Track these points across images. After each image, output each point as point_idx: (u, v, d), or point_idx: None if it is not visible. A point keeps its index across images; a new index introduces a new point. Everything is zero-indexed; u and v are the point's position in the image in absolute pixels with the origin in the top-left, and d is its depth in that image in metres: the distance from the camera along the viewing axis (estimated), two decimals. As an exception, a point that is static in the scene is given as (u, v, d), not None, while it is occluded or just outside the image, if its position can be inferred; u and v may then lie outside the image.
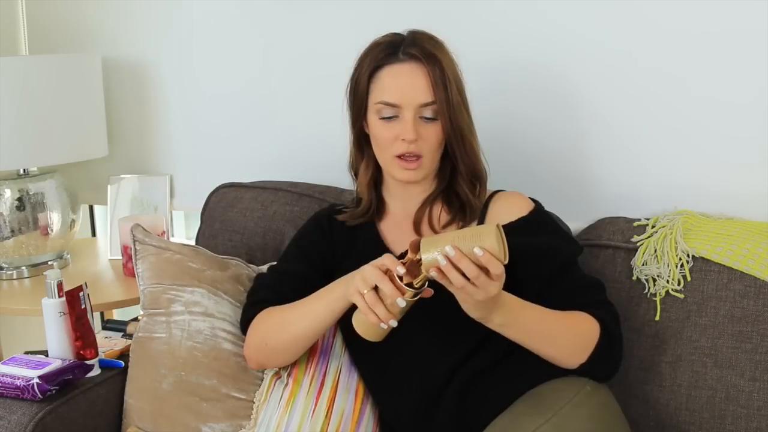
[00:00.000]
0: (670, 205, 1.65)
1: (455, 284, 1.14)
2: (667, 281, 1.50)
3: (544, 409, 1.26)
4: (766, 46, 1.56)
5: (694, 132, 1.65)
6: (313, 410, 1.43)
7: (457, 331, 1.32)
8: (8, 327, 2.34)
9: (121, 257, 2.05)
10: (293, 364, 1.47)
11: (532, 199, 1.47)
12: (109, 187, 2.23)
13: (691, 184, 1.66)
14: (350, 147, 1.50)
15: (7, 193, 2.00)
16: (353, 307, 1.27)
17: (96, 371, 1.55)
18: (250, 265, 1.64)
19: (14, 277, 2.05)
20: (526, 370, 1.33)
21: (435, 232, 1.45)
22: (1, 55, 2.17)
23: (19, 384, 1.41)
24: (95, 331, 1.56)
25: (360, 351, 1.47)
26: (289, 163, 2.00)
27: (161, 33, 2.14)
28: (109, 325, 1.77)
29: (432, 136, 1.38)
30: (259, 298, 1.47)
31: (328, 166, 1.70)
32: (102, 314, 2.20)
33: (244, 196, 1.83)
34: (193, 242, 1.84)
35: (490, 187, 1.49)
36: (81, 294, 1.52)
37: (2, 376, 1.43)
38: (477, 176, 1.44)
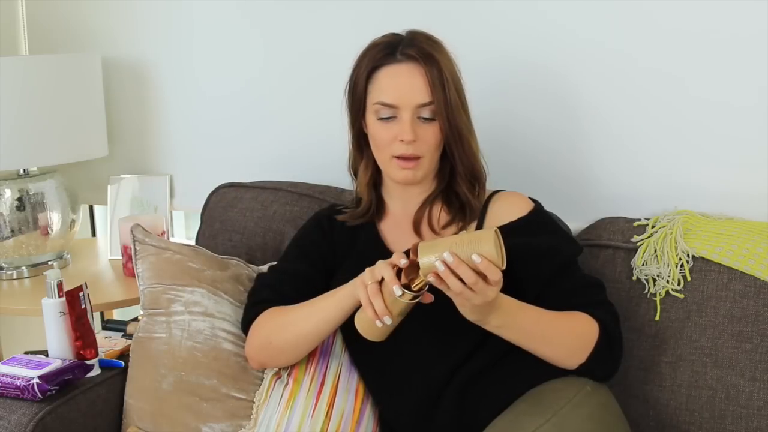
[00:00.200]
0: (670, 205, 1.65)
1: (453, 290, 1.15)
2: (667, 281, 1.50)
3: (544, 409, 1.26)
4: (766, 46, 1.56)
5: (694, 132, 1.65)
6: (313, 410, 1.43)
7: (457, 332, 1.32)
8: (8, 327, 2.34)
9: (121, 257, 2.05)
10: (293, 364, 1.47)
11: (532, 199, 1.47)
12: (109, 187, 2.23)
13: (691, 184, 1.66)
14: (349, 147, 1.50)
15: (7, 193, 2.00)
16: (360, 307, 1.27)
17: (96, 371, 1.55)
18: (250, 265, 1.64)
19: (14, 277, 2.05)
20: (526, 370, 1.33)
21: (435, 232, 1.45)
22: (1, 55, 2.17)
23: (19, 384, 1.41)
24: (95, 331, 1.56)
25: (360, 351, 1.47)
26: (289, 163, 2.00)
27: (161, 33, 2.14)
28: (109, 325, 1.77)
29: (430, 136, 1.38)
30: (261, 297, 1.47)
31: (328, 166, 1.70)
32: (102, 314, 2.20)
33: (244, 196, 1.83)
34: (193, 242, 1.84)
35: (490, 187, 1.49)
36: (81, 294, 1.52)
37: (2, 376, 1.43)
38: (476, 176, 1.44)
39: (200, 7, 2.07)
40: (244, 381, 1.49)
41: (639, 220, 1.61)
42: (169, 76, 2.16)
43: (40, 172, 2.08)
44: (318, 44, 1.95)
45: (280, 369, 1.48)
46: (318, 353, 1.48)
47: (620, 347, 1.37)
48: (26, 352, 1.57)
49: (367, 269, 1.24)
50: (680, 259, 1.50)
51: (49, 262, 2.08)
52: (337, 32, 1.92)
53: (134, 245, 1.57)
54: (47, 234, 2.04)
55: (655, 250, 1.53)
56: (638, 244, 1.56)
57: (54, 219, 2.05)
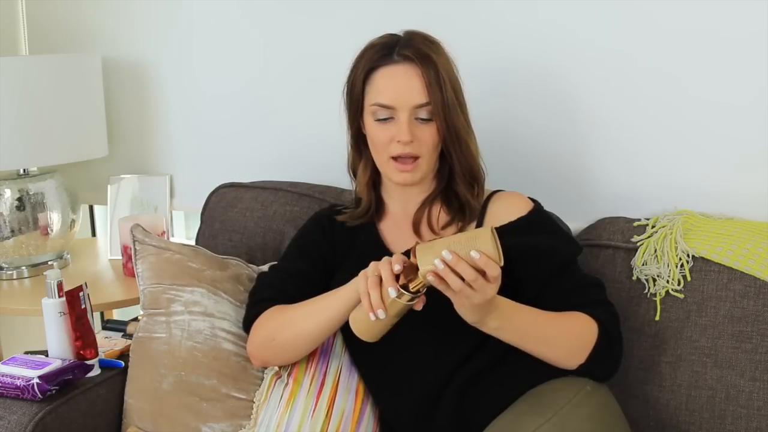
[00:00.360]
0: (670, 205, 1.65)
1: (453, 288, 1.15)
2: (667, 281, 1.50)
3: (544, 408, 1.26)
4: (766, 46, 1.56)
5: (694, 132, 1.65)
6: (314, 410, 1.43)
7: (456, 332, 1.32)
8: (8, 327, 2.34)
9: (121, 257, 2.05)
10: (293, 364, 1.47)
11: (532, 199, 1.47)
12: (109, 187, 2.23)
13: (691, 184, 1.66)
14: (348, 148, 1.50)
15: (7, 193, 2.00)
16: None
17: (96, 371, 1.55)
18: (250, 265, 1.64)
19: (14, 277, 2.05)
20: (526, 370, 1.33)
21: (434, 232, 1.45)
22: (1, 55, 2.17)
23: (19, 384, 1.41)
24: (95, 331, 1.56)
25: (360, 351, 1.47)
26: (289, 163, 2.00)
27: (161, 33, 2.14)
28: (109, 325, 1.77)
29: (427, 137, 1.37)
30: (263, 296, 1.47)
31: (328, 166, 1.70)
32: (102, 314, 2.20)
33: (244, 196, 1.83)
34: (193, 242, 1.84)
35: (490, 187, 1.49)
36: (81, 294, 1.52)
37: (2, 376, 1.43)
38: (474, 177, 1.44)
39: (200, 7, 2.07)
40: (244, 381, 1.49)
41: (639, 220, 1.61)
42: (169, 76, 2.16)
43: (40, 172, 2.08)
44: (318, 44, 1.95)
45: (280, 369, 1.48)
46: (318, 353, 1.48)
47: (620, 347, 1.37)
48: (26, 352, 1.57)
49: (372, 263, 1.25)
50: (680, 259, 1.50)
51: (49, 262, 2.08)
52: (337, 33, 1.92)
53: (134, 245, 1.57)
54: (47, 234, 2.04)
55: (655, 250, 1.53)
56: (638, 244, 1.56)
57: (54, 219, 2.05)
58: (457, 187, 1.44)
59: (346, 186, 1.65)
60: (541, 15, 1.73)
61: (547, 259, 1.38)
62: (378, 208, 1.51)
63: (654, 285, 1.52)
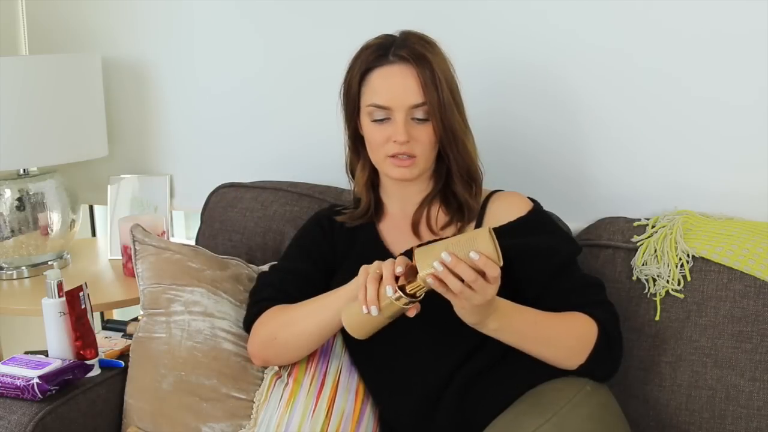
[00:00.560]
0: (670, 205, 1.65)
1: (453, 289, 1.15)
2: (667, 281, 1.50)
3: (544, 409, 1.26)
4: (766, 46, 1.56)
5: (694, 132, 1.65)
6: (314, 410, 1.43)
7: (456, 333, 1.32)
8: (8, 327, 2.34)
9: (121, 257, 2.05)
10: (293, 364, 1.47)
11: (531, 199, 1.47)
12: (109, 187, 2.23)
13: (691, 184, 1.66)
14: (345, 149, 1.50)
15: (7, 193, 2.00)
16: None
17: (96, 371, 1.55)
18: (250, 265, 1.64)
19: (14, 277, 2.05)
20: (526, 370, 1.33)
21: (433, 233, 1.45)
22: (1, 55, 2.17)
23: (19, 384, 1.41)
24: (95, 331, 1.56)
25: (360, 352, 1.47)
26: (289, 163, 2.00)
27: (161, 33, 2.14)
28: (109, 325, 1.77)
29: (424, 136, 1.37)
30: (263, 296, 1.47)
31: (328, 166, 1.70)
32: (102, 314, 2.20)
33: (244, 196, 1.83)
34: (193, 242, 1.84)
35: (489, 187, 1.49)
36: (81, 294, 1.52)
37: (2, 376, 1.43)
38: (472, 176, 1.44)
39: (200, 7, 2.07)
40: (244, 381, 1.49)
41: (639, 220, 1.61)
42: (169, 76, 2.16)
43: (40, 172, 2.08)
44: (318, 44, 1.95)
45: (280, 369, 1.48)
46: (318, 353, 1.48)
47: (620, 347, 1.37)
48: (26, 352, 1.57)
49: (376, 261, 1.25)
50: (680, 259, 1.50)
51: (49, 262, 2.08)
52: (337, 32, 1.92)
53: (134, 245, 1.57)
54: (47, 234, 2.04)
55: (655, 250, 1.53)
56: (638, 244, 1.56)
57: (54, 219, 2.05)
58: (455, 187, 1.44)
59: (346, 186, 1.65)
60: (539, 15, 1.73)
61: (547, 259, 1.38)
62: (377, 208, 1.51)
63: (654, 285, 1.52)
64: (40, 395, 1.42)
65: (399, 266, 1.20)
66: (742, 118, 1.60)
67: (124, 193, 2.22)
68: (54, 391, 1.44)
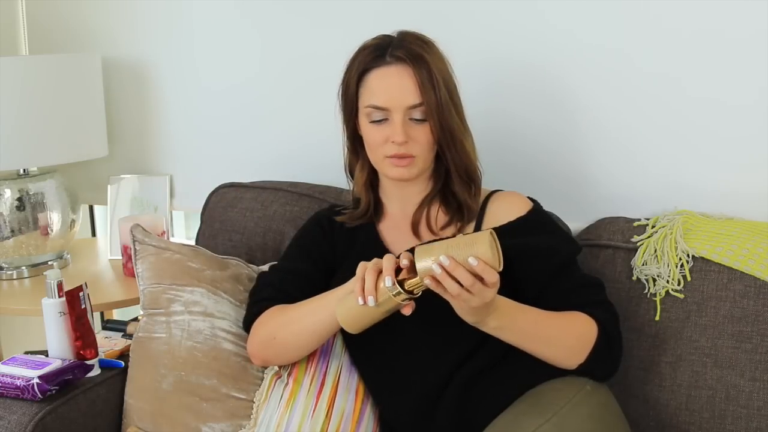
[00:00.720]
0: (670, 205, 1.65)
1: (451, 292, 1.15)
2: (667, 281, 1.50)
3: (544, 408, 1.26)
4: (765, 46, 1.56)
5: (694, 132, 1.65)
6: (314, 410, 1.43)
7: (456, 331, 1.32)
8: (8, 327, 2.34)
9: (121, 257, 2.05)
10: (293, 364, 1.47)
11: (531, 199, 1.47)
12: (109, 187, 2.23)
13: (691, 184, 1.66)
14: (344, 150, 1.50)
15: (7, 193, 2.00)
16: None
17: (96, 371, 1.55)
18: (250, 265, 1.64)
19: (14, 277, 2.05)
20: (526, 370, 1.33)
21: (433, 233, 1.45)
22: (1, 55, 2.17)
23: (19, 384, 1.41)
24: (95, 331, 1.56)
25: (360, 351, 1.47)
26: (289, 163, 2.00)
27: (161, 33, 2.14)
28: (109, 325, 1.77)
29: (422, 137, 1.37)
30: (263, 296, 1.47)
31: (328, 166, 1.70)
32: (102, 314, 2.20)
33: (244, 196, 1.83)
34: (193, 242, 1.84)
35: (489, 187, 1.49)
36: (81, 294, 1.52)
37: (2, 376, 1.43)
38: (471, 176, 1.44)
39: (200, 7, 2.07)
40: (244, 381, 1.49)
41: (639, 220, 1.61)
42: (169, 76, 2.16)
43: (40, 172, 2.08)
44: (318, 44, 1.95)
45: (280, 369, 1.48)
46: (318, 353, 1.48)
47: (620, 347, 1.37)
48: (26, 352, 1.57)
49: (375, 258, 1.25)
50: (680, 259, 1.50)
51: (49, 262, 2.08)
52: (336, 32, 1.92)
53: (134, 245, 1.57)
54: (47, 234, 2.04)
55: (655, 250, 1.53)
56: (638, 244, 1.56)
57: (54, 219, 2.05)
58: (454, 187, 1.43)
59: (346, 186, 1.65)
60: (538, 15, 1.73)
61: (547, 259, 1.38)
62: (377, 208, 1.51)
63: (654, 285, 1.52)
64: (40, 395, 1.42)
65: (405, 259, 1.21)
66: (741, 118, 1.60)
67: (124, 193, 2.22)
68: (54, 391, 1.44)
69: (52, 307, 1.51)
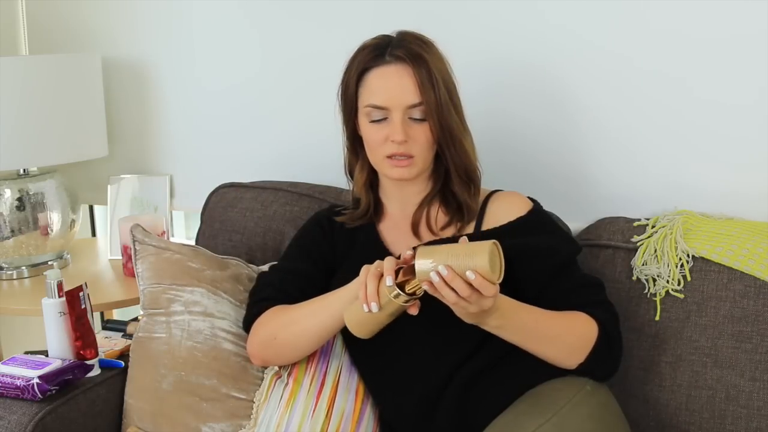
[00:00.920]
0: (670, 205, 1.65)
1: (448, 300, 1.16)
2: (667, 281, 1.50)
3: (544, 408, 1.26)
4: (765, 46, 1.56)
5: (694, 132, 1.65)
6: (314, 410, 1.43)
7: (457, 332, 1.32)
8: (8, 327, 2.34)
9: (121, 257, 2.05)
10: (294, 364, 1.47)
11: (531, 199, 1.47)
12: (109, 187, 2.23)
13: (691, 184, 1.66)
14: (344, 149, 1.50)
15: (7, 193, 2.00)
16: None
17: (96, 371, 1.55)
18: (250, 265, 1.64)
19: (14, 277, 2.05)
20: (526, 370, 1.33)
21: (433, 233, 1.45)
22: (1, 55, 2.17)
23: (19, 384, 1.41)
24: (95, 331, 1.56)
25: (360, 351, 1.47)
26: (289, 163, 2.00)
27: (161, 33, 2.14)
28: (109, 325, 1.77)
29: (421, 136, 1.37)
30: (264, 296, 1.47)
31: (328, 166, 1.70)
32: (102, 314, 2.20)
33: (244, 196, 1.83)
34: (193, 242, 1.84)
35: (489, 187, 1.49)
36: (81, 294, 1.52)
37: (2, 376, 1.43)
38: (470, 176, 1.44)
39: (200, 7, 2.07)
40: (244, 381, 1.49)
41: (639, 220, 1.61)
42: (169, 76, 2.16)
43: (40, 172, 2.08)
44: (318, 44, 1.95)
45: (280, 369, 1.48)
46: (318, 353, 1.48)
47: (620, 347, 1.37)
48: (26, 352, 1.57)
49: (377, 261, 1.25)
50: (680, 259, 1.50)
51: (49, 262, 2.08)
52: (336, 33, 1.92)
53: (134, 245, 1.57)
54: (47, 234, 2.04)
55: (655, 250, 1.53)
56: (638, 244, 1.56)
57: (54, 219, 2.05)
58: (454, 187, 1.43)
59: (346, 186, 1.65)
60: (537, 15, 1.73)
61: (547, 259, 1.38)
62: (377, 209, 1.51)
63: (654, 285, 1.52)
64: (40, 395, 1.42)
65: (409, 250, 1.22)
66: (742, 118, 1.60)
67: (124, 193, 2.22)
68: (54, 391, 1.44)
69: (52, 307, 1.51)
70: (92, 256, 2.22)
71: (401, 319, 1.25)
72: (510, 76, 1.78)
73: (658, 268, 1.51)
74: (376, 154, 1.41)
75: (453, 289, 1.14)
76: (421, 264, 1.16)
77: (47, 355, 1.52)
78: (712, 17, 1.59)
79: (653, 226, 1.57)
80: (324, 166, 1.79)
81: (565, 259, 1.40)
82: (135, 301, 1.88)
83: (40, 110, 1.94)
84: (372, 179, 1.50)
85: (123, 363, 1.58)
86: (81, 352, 1.52)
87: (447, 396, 1.35)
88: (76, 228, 2.13)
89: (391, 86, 1.36)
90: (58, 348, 1.52)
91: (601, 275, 1.51)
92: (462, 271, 1.13)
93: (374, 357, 1.43)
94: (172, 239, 2.12)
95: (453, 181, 1.43)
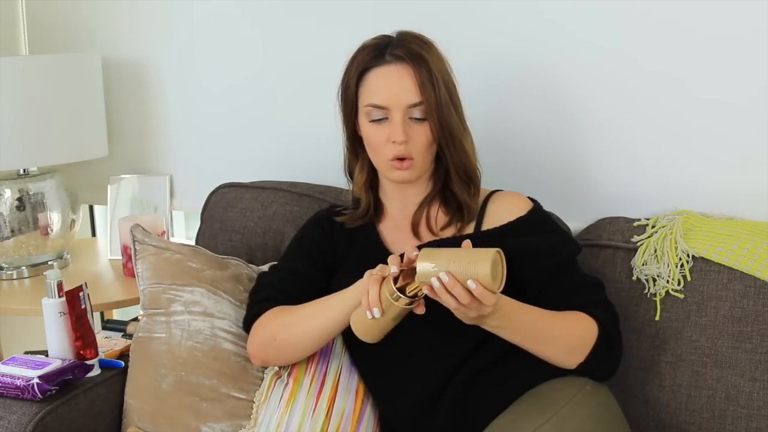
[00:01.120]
0: (670, 205, 1.65)
1: (448, 305, 1.17)
2: (667, 281, 1.50)
3: (544, 408, 1.26)
4: (765, 46, 1.56)
5: (694, 132, 1.65)
6: (314, 410, 1.43)
7: (457, 332, 1.32)
8: (8, 327, 2.34)
9: (121, 257, 2.06)
10: (294, 364, 1.47)
11: (531, 199, 1.47)
12: (109, 187, 2.23)
13: (691, 184, 1.66)
14: (344, 150, 1.50)
15: (7, 193, 2.00)
16: None
17: (96, 371, 1.55)
18: (250, 265, 1.64)
19: (14, 277, 2.05)
20: (526, 370, 1.33)
21: (433, 233, 1.45)
22: (1, 55, 2.17)
23: (19, 384, 1.41)
24: (95, 331, 1.56)
25: (360, 351, 1.47)
26: (289, 163, 2.00)
27: (161, 33, 2.14)
28: (109, 325, 1.77)
29: (421, 136, 1.38)
30: (264, 296, 1.47)
31: (328, 166, 1.70)
32: (102, 314, 2.20)
33: (244, 196, 1.83)
34: (193, 242, 1.84)
35: (489, 187, 1.49)
36: (81, 294, 1.52)
37: (2, 376, 1.43)
38: (470, 176, 1.44)
39: (200, 7, 2.07)
40: (244, 381, 1.49)
41: (639, 220, 1.61)
42: (169, 76, 2.16)
43: (40, 172, 2.08)
44: (318, 44, 1.95)
45: (280, 369, 1.48)
46: (318, 353, 1.48)
47: (620, 347, 1.37)
48: (26, 352, 1.57)
49: (380, 264, 1.26)
50: (680, 259, 1.50)
51: (49, 262, 2.08)
52: (336, 33, 1.92)
53: (134, 245, 1.57)
54: (47, 234, 2.05)
55: (655, 250, 1.53)
56: (638, 244, 1.56)
57: (54, 219, 2.05)
58: (454, 188, 1.43)
59: (346, 186, 1.65)
60: (538, 15, 1.73)
61: (547, 259, 1.38)
62: (377, 209, 1.51)
63: (654, 285, 1.52)
64: (40, 395, 1.42)
65: (414, 251, 1.21)
66: (741, 118, 1.60)
67: (124, 193, 2.22)
68: (54, 391, 1.44)
69: (52, 307, 1.51)
70: (92, 256, 2.23)
71: (402, 322, 1.25)
72: (510, 76, 1.78)
73: (658, 268, 1.51)
74: (379, 157, 1.41)
75: (453, 296, 1.15)
76: (423, 267, 1.16)
77: (47, 355, 1.52)
78: (712, 17, 1.59)
79: (653, 226, 1.57)
80: (324, 166, 1.79)
81: (565, 259, 1.40)
82: (135, 301, 1.88)
83: (40, 110, 1.94)
84: (372, 179, 1.50)
85: (123, 363, 1.58)
86: (81, 352, 1.52)
87: (447, 396, 1.35)
88: (76, 228, 2.13)
89: (392, 86, 1.36)
90: (58, 348, 1.52)
91: (601, 275, 1.51)
92: (463, 279, 1.13)
93: (374, 357, 1.43)
94: (172, 239, 2.13)
95: (453, 181, 1.43)
